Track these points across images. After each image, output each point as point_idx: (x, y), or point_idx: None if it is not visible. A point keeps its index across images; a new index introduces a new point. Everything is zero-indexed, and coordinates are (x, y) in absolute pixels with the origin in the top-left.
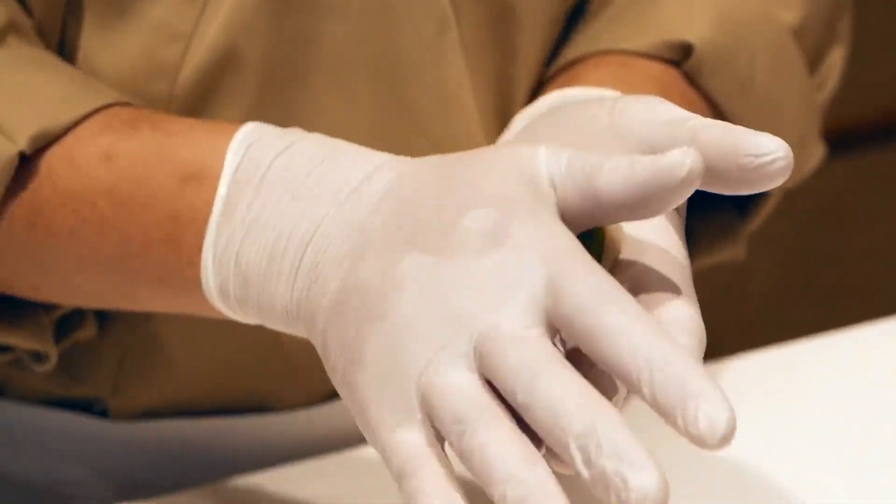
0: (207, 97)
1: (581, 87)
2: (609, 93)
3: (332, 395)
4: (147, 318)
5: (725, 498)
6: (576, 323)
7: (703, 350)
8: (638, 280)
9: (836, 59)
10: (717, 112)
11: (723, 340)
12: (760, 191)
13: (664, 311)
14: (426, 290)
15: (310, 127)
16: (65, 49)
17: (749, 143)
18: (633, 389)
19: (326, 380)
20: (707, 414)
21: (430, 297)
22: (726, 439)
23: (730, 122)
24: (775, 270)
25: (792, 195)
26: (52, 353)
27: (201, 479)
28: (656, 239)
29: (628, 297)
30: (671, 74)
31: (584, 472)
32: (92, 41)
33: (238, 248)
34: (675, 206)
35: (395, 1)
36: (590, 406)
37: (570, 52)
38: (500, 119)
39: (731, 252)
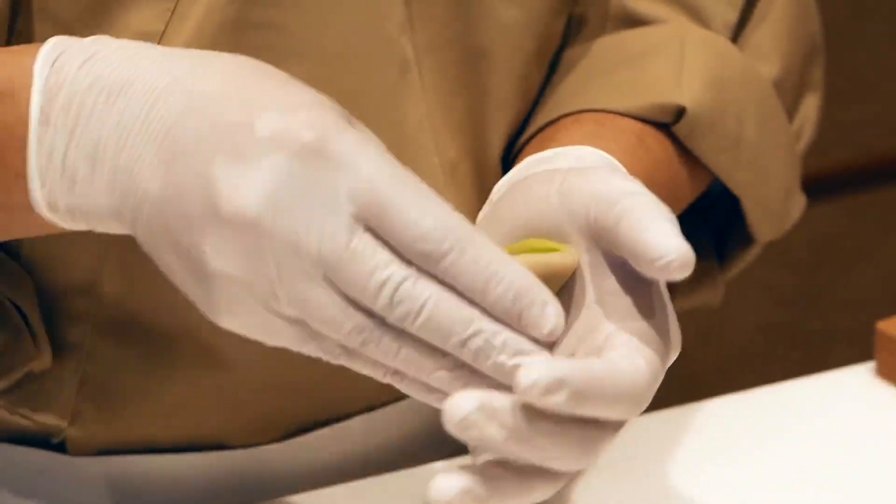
0: None
1: (555, 147)
2: (565, 159)
3: (290, 434)
4: (106, 346)
5: None
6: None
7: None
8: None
9: (811, 107)
10: (707, 170)
11: (702, 383)
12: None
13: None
14: (279, 194)
15: None
16: None
17: (647, 248)
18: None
19: (284, 418)
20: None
21: (279, 202)
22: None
23: (721, 178)
24: (756, 313)
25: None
26: None
27: None
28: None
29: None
30: (647, 129)
31: (483, 369)
32: None
33: (63, 152)
34: None
35: (356, 45)
36: (466, 309)
37: (553, 108)
38: (472, 159)
39: (710, 297)
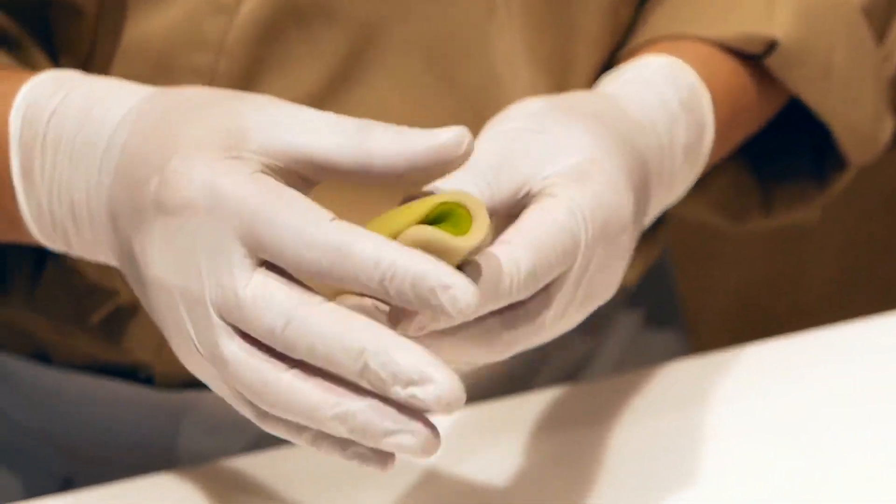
0: (253, 72)
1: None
2: (630, 71)
3: None
4: None
5: (787, 469)
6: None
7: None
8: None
9: None
10: (780, 93)
11: (781, 325)
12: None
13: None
14: (165, 251)
15: (359, 105)
16: (105, 22)
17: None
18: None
19: None
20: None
21: (168, 260)
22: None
23: (811, 106)
24: (835, 257)
25: (852, 182)
26: None
27: (243, 449)
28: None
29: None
30: (718, 57)
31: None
32: (135, 12)
33: (48, 211)
34: None
35: None
36: (357, 338)
37: (647, 32)
38: None
39: (806, 215)
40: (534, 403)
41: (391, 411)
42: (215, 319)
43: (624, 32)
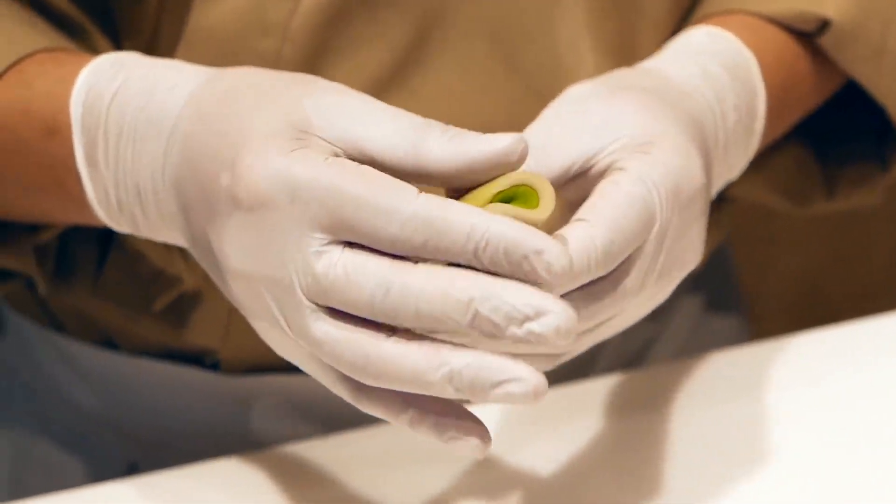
0: (317, 57)
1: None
2: (676, 43)
3: None
4: None
5: (848, 456)
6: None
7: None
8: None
9: None
10: (836, 73)
11: (842, 310)
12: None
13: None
14: (245, 244)
15: (423, 88)
16: (168, 8)
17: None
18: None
19: None
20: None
21: (248, 252)
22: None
23: (864, 86)
24: (893, 240)
25: None
26: (38, 277)
27: (308, 434)
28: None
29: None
30: (769, 29)
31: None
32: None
33: (114, 196)
34: None
35: None
36: (459, 290)
37: (701, 10)
38: None
39: (868, 198)
40: (594, 390)
41: (495, 362)
42: (305, 303)
43: (686, 14)
